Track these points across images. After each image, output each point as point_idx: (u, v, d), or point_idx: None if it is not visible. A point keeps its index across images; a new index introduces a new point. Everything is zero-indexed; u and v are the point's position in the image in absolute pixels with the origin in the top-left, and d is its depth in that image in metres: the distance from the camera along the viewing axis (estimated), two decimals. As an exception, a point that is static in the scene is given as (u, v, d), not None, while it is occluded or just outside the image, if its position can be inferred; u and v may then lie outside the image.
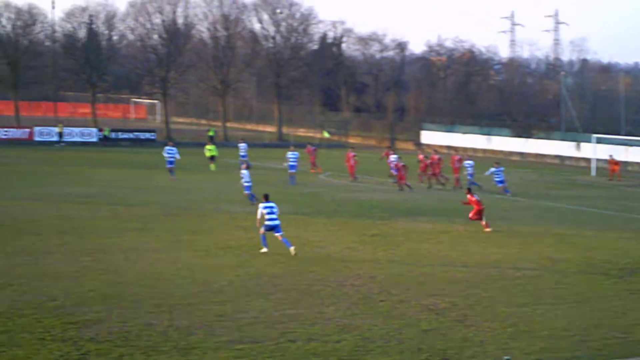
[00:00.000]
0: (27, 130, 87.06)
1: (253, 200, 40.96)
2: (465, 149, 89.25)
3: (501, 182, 51.13)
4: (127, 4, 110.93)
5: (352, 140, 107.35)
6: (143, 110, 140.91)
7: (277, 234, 28.89)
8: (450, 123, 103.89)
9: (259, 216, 29.14)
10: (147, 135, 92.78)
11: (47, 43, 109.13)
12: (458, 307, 22.36)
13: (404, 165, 52.08)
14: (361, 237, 33.53)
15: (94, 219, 35.63)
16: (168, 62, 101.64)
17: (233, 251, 29.27)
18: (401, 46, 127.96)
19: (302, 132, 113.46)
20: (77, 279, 24.05)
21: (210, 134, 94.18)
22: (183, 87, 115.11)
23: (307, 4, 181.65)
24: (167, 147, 54.62)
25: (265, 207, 28.97)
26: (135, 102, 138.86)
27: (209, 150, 62.91)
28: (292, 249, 28.68)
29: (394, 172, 53.61)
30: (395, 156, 55.48)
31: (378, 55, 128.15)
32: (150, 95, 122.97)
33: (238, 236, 32.45)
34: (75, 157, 69.80)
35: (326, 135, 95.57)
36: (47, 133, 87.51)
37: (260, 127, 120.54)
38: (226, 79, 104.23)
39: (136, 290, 22.95)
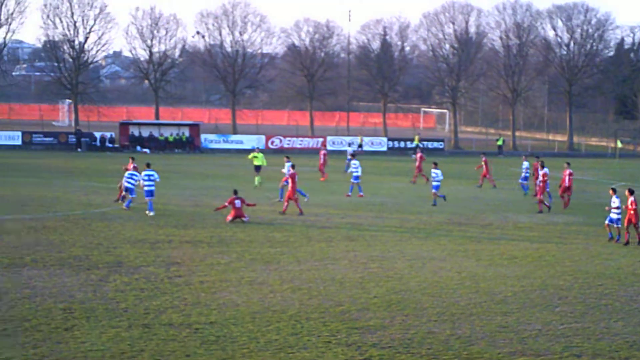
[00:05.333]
0: (320, 139, 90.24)
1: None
2: None
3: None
4: (421, 15, 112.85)
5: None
6: (432, 119, 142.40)
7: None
8: None
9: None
10: (435, 144, 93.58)
11: (342, 55, 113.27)
12: None
13: None
14: (656, 250, 32.14)
15: (381, 226, 36.27)
16: (459, 71, 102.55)
17: (518, 261, 28.85)
18: None
19: (594, 141, 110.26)
20: (363, 285, 24.54)
21: (499, 143, 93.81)
22: (472, 96, 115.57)
23: (604, 9, 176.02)
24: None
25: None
26: (425, 112, 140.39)
27: (255, 157, 52.52)
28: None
29: None
30: None
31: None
32: (439, 105, 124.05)
33: (523, 246, 31.97)
34: (364, 165, 70.48)
35: (619, 144, 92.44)
36: (338, 142, 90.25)
37: (551, 136, 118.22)
38: (517, 87, 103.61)
39: (419, 298, 23.13)
